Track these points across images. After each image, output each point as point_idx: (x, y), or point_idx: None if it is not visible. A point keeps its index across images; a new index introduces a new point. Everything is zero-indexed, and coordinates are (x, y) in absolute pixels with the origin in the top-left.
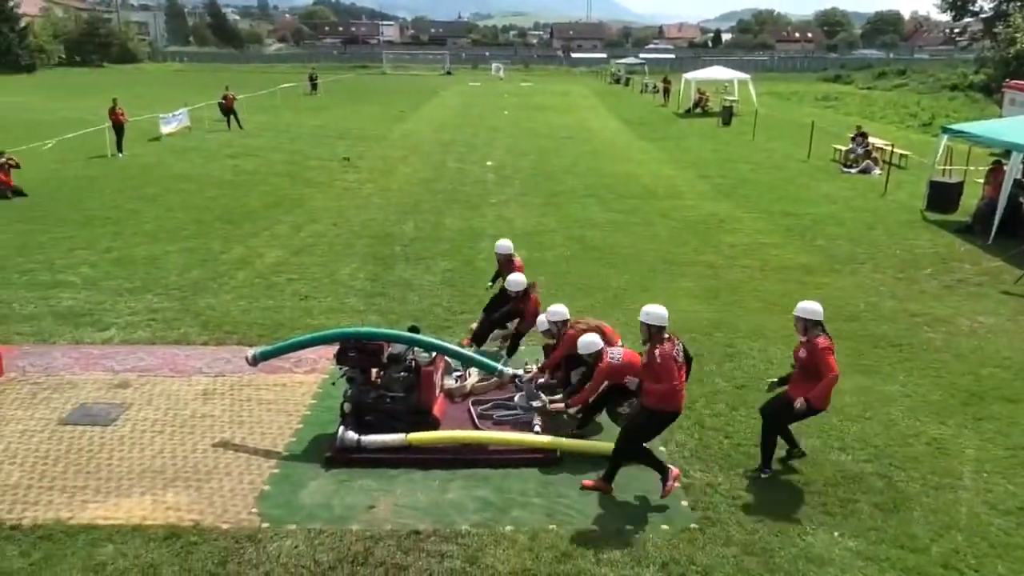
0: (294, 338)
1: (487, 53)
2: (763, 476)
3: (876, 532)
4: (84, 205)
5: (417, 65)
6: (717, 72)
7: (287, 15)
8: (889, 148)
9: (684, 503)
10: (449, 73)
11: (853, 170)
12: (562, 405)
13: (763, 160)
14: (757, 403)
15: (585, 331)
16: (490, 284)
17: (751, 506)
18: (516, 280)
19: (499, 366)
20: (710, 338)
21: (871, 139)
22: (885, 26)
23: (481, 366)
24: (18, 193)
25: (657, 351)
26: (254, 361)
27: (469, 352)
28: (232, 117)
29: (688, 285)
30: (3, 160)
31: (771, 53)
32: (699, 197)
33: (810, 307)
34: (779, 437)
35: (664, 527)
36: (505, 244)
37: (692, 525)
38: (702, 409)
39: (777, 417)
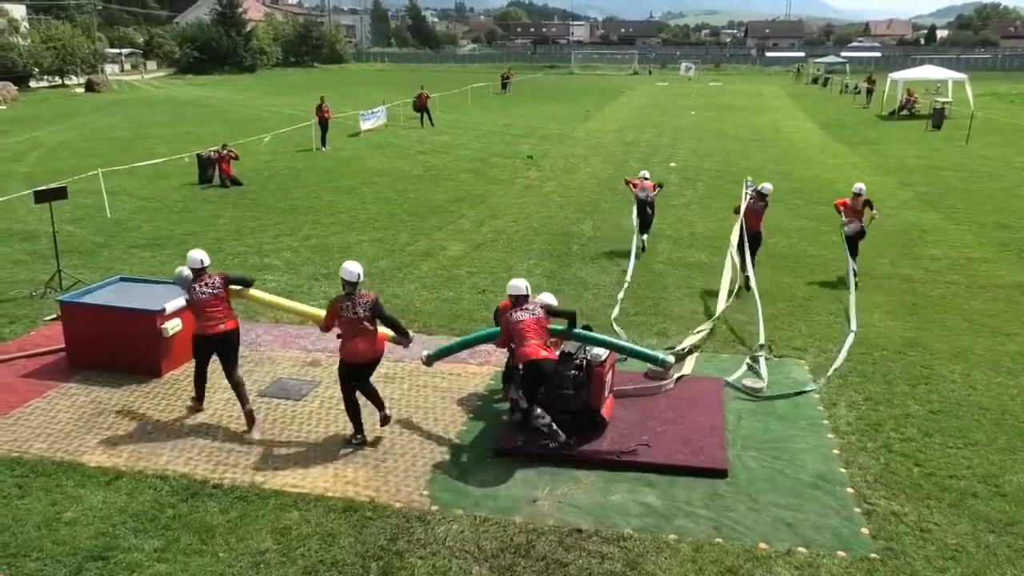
0: (464, 337)
1: (677, 52)
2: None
3: None
4: (290, 195)
5: (605, 65)
6: (929, 71)
7: (482, 16)
8: None
9: (864, 530)
10: (636, 73)
11: None
12: None
13: (977, 168)
14: (955, 432)
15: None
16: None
17: (943, 542)
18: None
19: (662, 355)
20: (903, 357)
21: None
22: None
23: (644, 357)
24: (235, 182)
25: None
26: (428, 361)
27: (631, 344)
28: (425, 115)
29: (882, 299)
30: (224, 152)
31: (994, 51)
32: (900, 206)
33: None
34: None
35: (840, 553)
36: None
37: (872, 555)
38: (891, 432)
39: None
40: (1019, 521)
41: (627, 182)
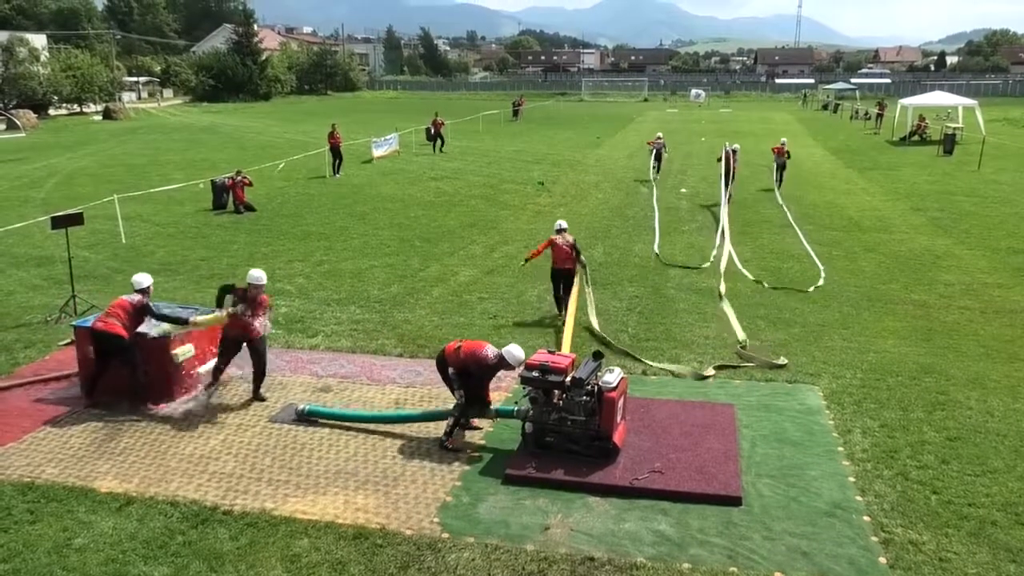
0: (347, 411)
1: (704, 81)
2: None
3: None
4: (302, 221)
5: (615, 92)
6: (939, 98)
7: (493, 45)
8: None
9: (882, 560)
10: (647, 100)
11: None
12: None
13: (990, 193)
14: (973, 459)
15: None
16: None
17: (963, 572)
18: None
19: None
20: (918, 383)
21: None
22: None
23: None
24: (249, 208)
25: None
26: (299, 416)
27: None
28: (438, 141)
29: (895, 325)
30: (239, 178)
31: (1005, 76)
32: (912, 231)
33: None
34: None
35: None
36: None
37: None
38: (907, 459)
39: None
40: None
41: (649, 144)
